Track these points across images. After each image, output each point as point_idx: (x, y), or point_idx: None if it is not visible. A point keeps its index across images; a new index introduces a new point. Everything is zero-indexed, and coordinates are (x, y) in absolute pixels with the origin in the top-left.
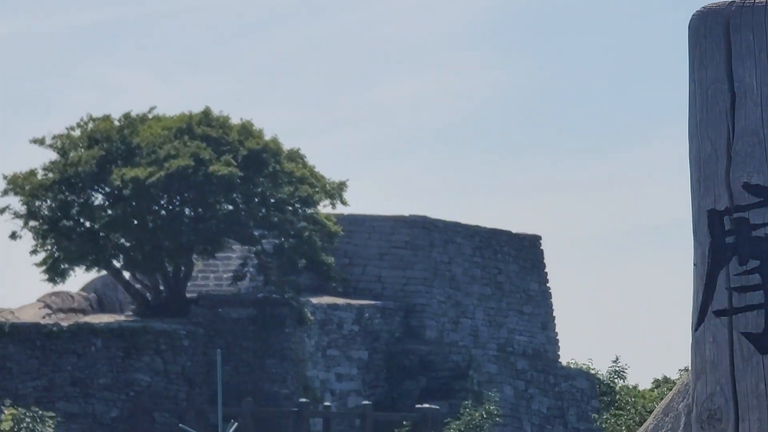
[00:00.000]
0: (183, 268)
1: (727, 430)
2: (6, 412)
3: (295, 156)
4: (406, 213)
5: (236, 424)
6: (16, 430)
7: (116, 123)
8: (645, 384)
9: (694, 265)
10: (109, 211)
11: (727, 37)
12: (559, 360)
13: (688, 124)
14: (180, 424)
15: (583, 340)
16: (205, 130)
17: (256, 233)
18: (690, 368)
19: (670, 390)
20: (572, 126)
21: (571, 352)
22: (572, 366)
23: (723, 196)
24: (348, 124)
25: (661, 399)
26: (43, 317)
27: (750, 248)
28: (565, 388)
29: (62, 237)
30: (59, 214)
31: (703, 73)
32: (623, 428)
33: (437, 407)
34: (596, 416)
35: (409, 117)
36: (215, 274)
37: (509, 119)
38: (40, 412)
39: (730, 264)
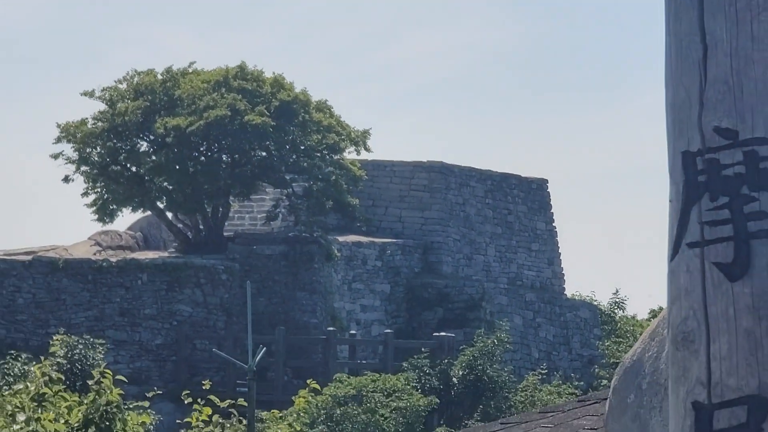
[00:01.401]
0: (221, 209)
1: (699, 350)
2: (55, 337)
3: (322, 107)
4: (424, 159)
5: (264, 349)
6: (69, 356)
7: (159, 77)
8: (642, 314)
9: (670, 201)
10: (153, 157)
11: None
12: (564, 292)
13: (664, 73)
14: (213, 349)
15: (586, 274)
16: (241, 83)
17: (287, 177)
18: (666, 295)
19: None
20: (578, 76)
21: (575, 285)
22: (576, 298)
23: (696, 138)
24: (371, 77)
25: None
26: (94, 254)
27: (720, 186)
28: (570, 318)
29: (111, 180)
30: (108, 159)
31: (678, 26)
32: (622, 354)
33: (453, 335)
34: (598, 343)
35: (427, 70)
36: (250, 214)
37: (519, 71)
38: (92, 340)
39: (702, 200)
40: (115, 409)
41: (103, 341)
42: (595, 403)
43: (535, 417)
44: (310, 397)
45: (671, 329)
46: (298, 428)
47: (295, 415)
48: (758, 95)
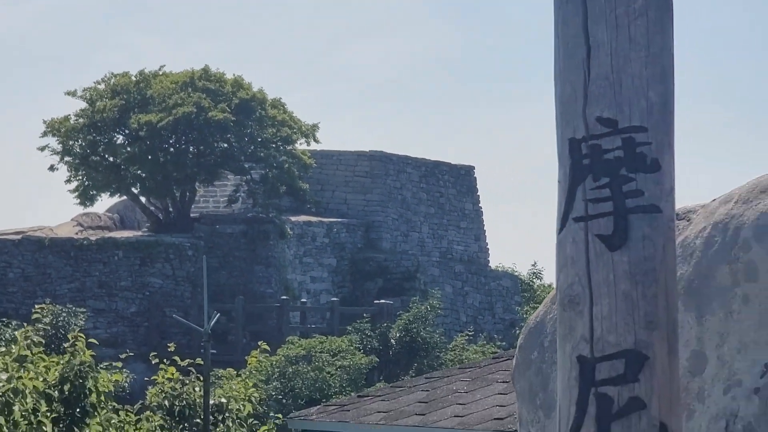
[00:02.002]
0: (188, 194)
1: (583, 311)
2: (37, 306)
3: (277, 104)
4: (366, 149)
5: (218, 315)
6: (54, 322)
7: (133, 78)
8: None
9: (559, 182)
10: (128, 149)
11: (584, 1)
12: (489, 264)
13: (553, 71)
14: (174, 315)
15: (508, 249)
16: (205, 84)
17: (246, 165)
18: (555, 264)
19: None
20: (502, 78)
21: (498, 258)
22: (499, 269)
23: (581, 127)
24: (321, 78)
25: None
26: (76, 233)
27: (602, 168)
28: (494, 286)
29: (91, 169)
30: (88, 151)
31: (566, 30)
32: None
33: (391, 302)
34: (518, 308)
35: (371, 73)
36: (213, 198)
37: (452, 73)
38: (74, 308)
39: (586, 181)
40: (87, 369)
41: (84, 310)
42: (507, 360)
43: (455, 372)
44: (262, 358)
45: (559, 293)
46: (251, 384)
47: (248, 373)
48: (635, 89)
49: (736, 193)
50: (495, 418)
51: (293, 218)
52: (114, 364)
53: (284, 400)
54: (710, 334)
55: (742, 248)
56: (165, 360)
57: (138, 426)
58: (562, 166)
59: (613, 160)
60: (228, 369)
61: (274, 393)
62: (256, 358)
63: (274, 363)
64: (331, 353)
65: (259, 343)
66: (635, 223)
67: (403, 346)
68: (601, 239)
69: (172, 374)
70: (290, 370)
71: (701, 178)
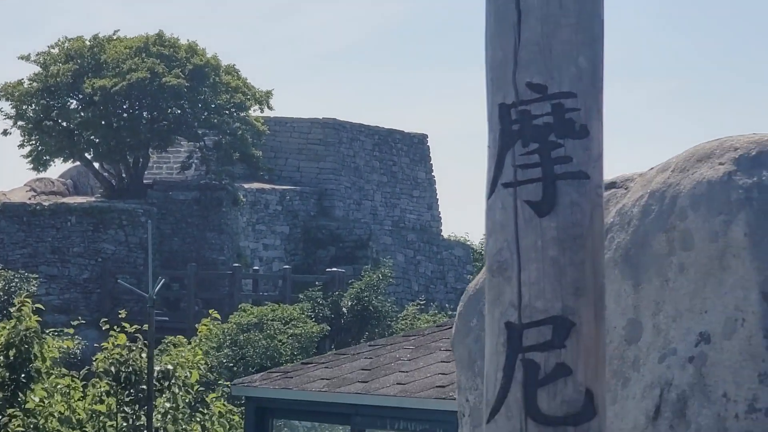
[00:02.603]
0: (141, 160)
1: (511, 277)
2: None
3: (231, 70)
4: (320, 116)
5: (163, 280)
6: (6, 288)
7: (87, 43)
8: None
9: (488, 147)
10: (82, 114)
11: None
12: (441, 234)
13: (484, 36)
14: (119, 280)
15: (461, 218)
16: (159, 49)
17: (199, 132)
18: (484, 230)
19: None
20: (455, 45)
21: (451, 228)
22: (452, 238)
23: (510, 92)
24: (276, 45)
25: None
26: (29, 198)
27: (531, 134)
28: (446, 255)
29: (44, 134)
30: (42, 115)
31: None
32: None
33: (343, 271)
34: (470, 278)
35: (325, 40)
36: (167, 164)
37: (406, 40)
38: (26, 274)
39: (515, 146)
40: (33, 334)
41: (37, 276)
42: (449, 328)
43: (399, 340)
44: (213, 326)
45: (488, 259)
46: (200, 351)
47: (198, 340)
48: (564, 55)
49: (674, 162)
50: (437, 386)
51: (246, 185)
52: (66, 330)
53: (235, 368)
54: (646, 302)
55: (679, 217)
56: (116, 327)
57: (84, 392)
58: (491, 132)
59: (543, 126)
60: (178, 336)
61: (225, 360)
62: (207, 326)
63: (225, 330)
64: (283, 321)
65: (210, 311)
66: (563, 189)
67: (355, 314)
68: (529, 205)
69: (124, 342)
70: (242, 338)
71: (643, 149)
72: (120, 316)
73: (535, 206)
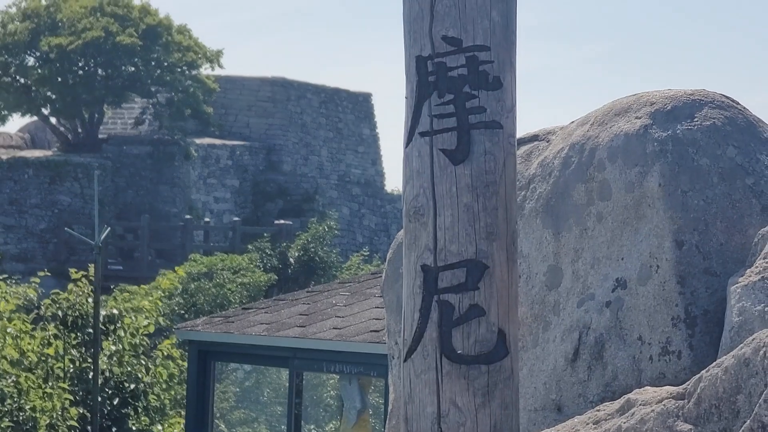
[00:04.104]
0: (96, 115)
1: (427, 222)
2: None
3: (182, 30)
4: (269, 75)
5: (109, 228)
6: None
7: (44, 2)
8: None
9: (406, 98)
10: (39, 71)
11: None
12: (385, 188)
13: None
14: (66, 228)
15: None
16: (113, 9)
17: (152, 89)
18: (402, 177)
19: None
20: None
21: (394, 182)
22: (395, 192)
23: (427, 45)
24: (226, 6)
25: None
26: None
27: (446, 85)
28: (389, 209)
29: (2, 90)
30: (0, 72)
31: None
32: None
33: (291, 223)
34: None
35: (273, 1)
36: (121, 120)
37: (348, 2)
38: None
39: (431, 97)
40: None
41: None
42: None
43: (336, 287)
44: (171, 276)
45: (405, 204)
46: (156, 297)
47: (146, 289)
48: (478, 9)
49: (593, 116)
50: (371, 331)
51: (198, 141)
52: (32, 279)
53: (186, 315)
54: (566, 249)
55: (597, 168)
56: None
57: (33, 335)
58: (409, 83)
59: (457, 77)
60: (142, 286)
61: (177, 308)
62: (171, 281)
63: (176, 279)
64: (232, 270)
65: (176, 268)
66: (477, 138)
67: (302, 264)
68: (444, 153)
69: (81, 288)
70: (192, 286)
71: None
72: (72, 273)
73: (450, 154)
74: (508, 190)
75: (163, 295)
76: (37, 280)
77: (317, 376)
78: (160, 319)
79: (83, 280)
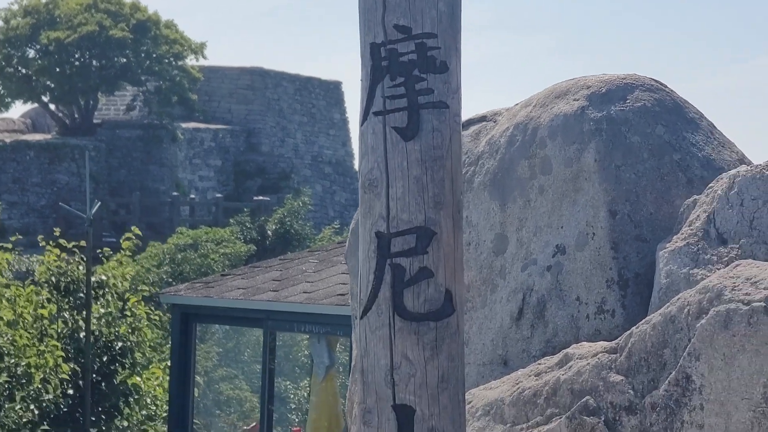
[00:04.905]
0: (91, 102)
1: (381, 193)
2: None
3: (170, 24)
4: (248, 65)
5: (99, 203)
6: None
7: (43, 0)
8: None
9: (361, 81)
10: (39, 62)
11: None
12: (354, 167)
13: None
14: (60, 203)
15: None
16: (107, 6)
17: (142, 78)
18: (358, 152)
19: None
20: None
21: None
22: (358, 178)
23: (380, 33)
24: (208, 2)
25: None
26: None
27: (398, 69)
28: (358, 186)
29: (6, 79)
30: (3, 63)
31: None
32: None
33: (269, 199)
34: None
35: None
36: (114, 106)
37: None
38: None
39: (384, 80)
40: None
41: (0, 202)
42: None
43: (306, 255)
44: (133, 241)
45: (361, 177)
46: (128, 264)
47: (122, 255)
48: (427, 0)
49: (535, 98)
50: (337, 294)
51: (184, 125)
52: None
53: (173, 283)
54: (511, 219)
55: (539, 146)
56: (51, 242)
57: (28, 299)
58: (364, 67)
59: (408, 62)
60: (121, 252)
61: (165, 276)
62: (131, 239)
63: (165, 250)
64: (215, 242)
65: (132, 228)
66: (426, 117)
67: (278, 237)
68: (396, 131)
69: (57, 255)
70: (179, 257)
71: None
72: (55, 233)
73: (401, 131)
74: (454, 164)
75: (151, 263)
76: (56, 252)
77: (290, 336)
78: (145, 287)
79: (74, 249)
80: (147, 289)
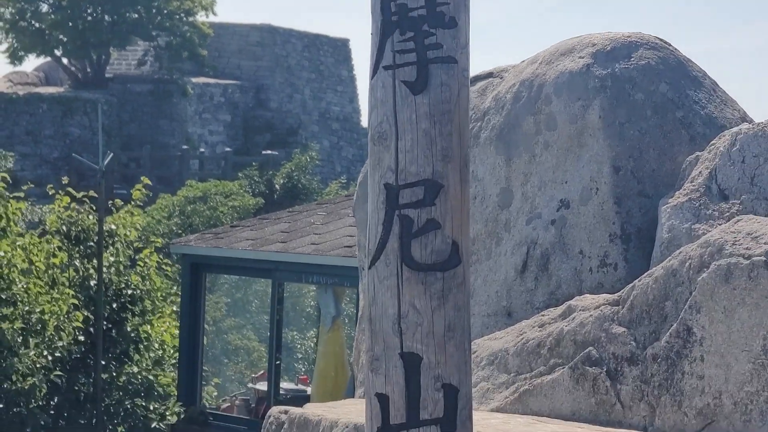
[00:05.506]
0: (103, 57)
1: (390, 146)
2: None
3: None
4: (257, 22)
5: (112, 154)
6: None
7: None
8: None
9: (372, 35)
10: (53, 16)
11: None
12: (361, 122)
13: None
14: (73, 154)
15: None
16: None
17: (154, 33)
18: (368, 106)
19: None
20: None
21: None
22: (368, 130)
23: None
24: None
25: None
26: (7, 88)
27: (407, 24)
28: (364, 142)
29: (20, 33)
30: (18, 17)
31: None
32: None
33: (277, 153)
34: None
35: None
36: (126, 61)
37: None
38: (4, 152)
39: (394, 34)
40: None
41: (13, 154)
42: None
43: (314, 207)
44: (143, 192)
45: (370, 130)
46: (137, 213)
47: (133, 205)
48: None
49: (541, 56)
50: (345, 246)
51: (194, 80)
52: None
53: (183, 234)
54: (516, 174)
55: (544, 102)
56: (60, 191)
57: (40, 247)
58: (374, 22)
59: (417, 17)
60: (129, 204)
61: (174, 228)
62: (140, 191)
63: (175, 202)
64: (224, 195)
65: (142, 178)
66: (434, 71)
67: (286, 190)
68: (405, 84)
69: (67, 203)
70: (189, 209)
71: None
72: (64, 181)
73: (410, 85)
74: (462, 118)
75: (162, 214)
76: (66, 200)
77: (297, 287)
78: (157, 238)
79: (85, 199)
80: (159, 240)
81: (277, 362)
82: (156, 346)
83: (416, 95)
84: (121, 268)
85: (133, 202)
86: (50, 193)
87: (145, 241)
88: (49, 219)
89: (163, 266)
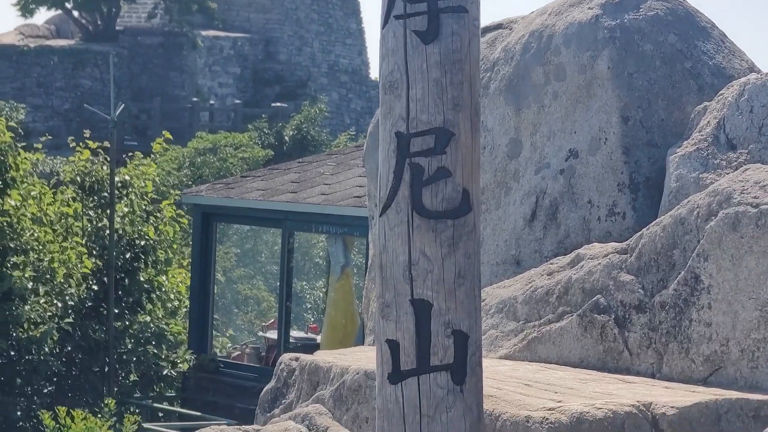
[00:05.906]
0: (114, 9)
1: (401, 95)
2: None
3: None
4: None
5: (123, 105)
6: None
7: None
8: None
9: None
10: None
11: None
12: (369, 75)
13: None
14: (85, 105)
15: None
16: None
17: None
18: (378, 55)
19: None
20: None
21: (378, 70)
22: (378, 79)
23: None
24: None
25: None
26: (19, 41)
27: None
28: (373, 94)
29: None
30: None
31: None
32: None
33: (286, 105)
34: None
35: None
36: (136, 13)
37: None
38: (15, 104)
39: None
40: (8, 148)
41: (24, 105)
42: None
43: (324, 158)
44: (166, 145)
45: (381, 79)
46: (154, 165)
47: (155, 157)
48: None
49: (550, 7)
50: (354, 196)
51: (204, 33)
52: (61, 157)
53: (193, 185)
54: (526, 124)
55: (554, 53)
56: (81, 144)
57: (54, 197)
58: None
59: None
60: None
61: (185, 179)
62: (160, 144)
63: (185, 154)
64: (234, 147)
65: (163, 132)
66: (445, 21)
67: (295, 142)
68: (416, 34)
69: (87, 156)
70: (199, 160)
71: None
72: (85, 135)
73: (421, 35)
74: (473, 68)
75: (172, 166)
76: (86, 154)
77: (307, 238)
78: (175, 191)
79: (99, 150)
80: (178, 192)
81: (288, 311)
82: (171, 296)
83: (427, 45)
84: (136, 218)
85: (152, 156)
86: (71, 146)
87: (159, 193)
88: (64, 169)
89: (179, 218)
